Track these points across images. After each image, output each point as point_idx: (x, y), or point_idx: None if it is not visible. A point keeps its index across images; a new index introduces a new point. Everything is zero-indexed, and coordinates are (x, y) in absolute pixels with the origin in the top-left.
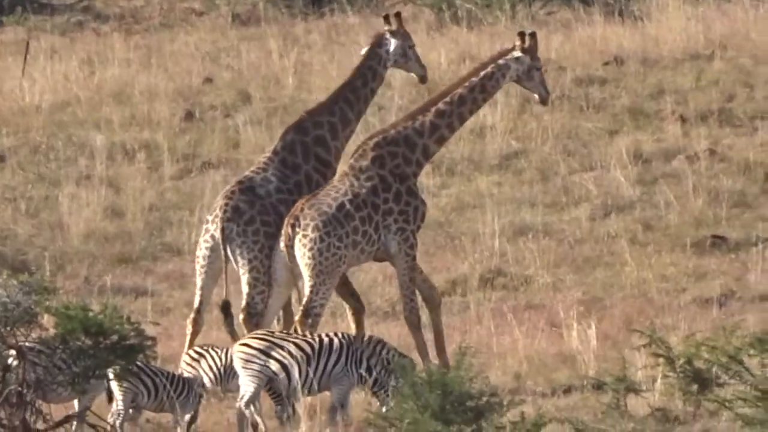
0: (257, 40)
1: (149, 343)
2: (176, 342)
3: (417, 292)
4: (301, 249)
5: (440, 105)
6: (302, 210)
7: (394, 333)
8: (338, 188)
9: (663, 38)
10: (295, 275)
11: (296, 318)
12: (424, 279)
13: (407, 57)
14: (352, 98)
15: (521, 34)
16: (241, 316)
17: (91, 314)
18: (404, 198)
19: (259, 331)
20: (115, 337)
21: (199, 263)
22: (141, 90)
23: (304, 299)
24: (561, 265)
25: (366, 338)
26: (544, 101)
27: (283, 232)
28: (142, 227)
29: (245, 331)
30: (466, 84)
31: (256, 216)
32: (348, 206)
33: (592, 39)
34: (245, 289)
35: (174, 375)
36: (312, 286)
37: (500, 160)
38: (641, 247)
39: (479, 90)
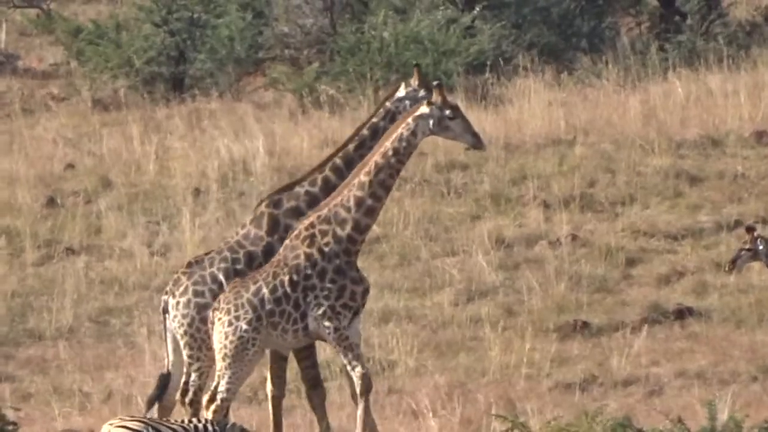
0: (119, 126)
1: (10, 428)
2: (38, 427)
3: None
4: (214, 332)
5: (361, 176)
6: (225, 293)
7: (255, 418)
8: (264, 270)
9: (525, 123)
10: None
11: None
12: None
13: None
14: (341, 165)
15: (428, 87)
16: (177, 394)
17: None
18: (329, 276)
19: (135, 416)
20: None
21: None
22: (2, 176)
23: (213, 383)
24: (424, 350)
25: (230, 425)
26: (475, 146)
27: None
28: (4, 313)
29: (183, 410)
30: (381, 150)
31: (189, 287)
32: (264, 290)
33: None
34: (185, 367)
35: None
36: (219, 370)
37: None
38: (504, 331)
39: (392, 154)
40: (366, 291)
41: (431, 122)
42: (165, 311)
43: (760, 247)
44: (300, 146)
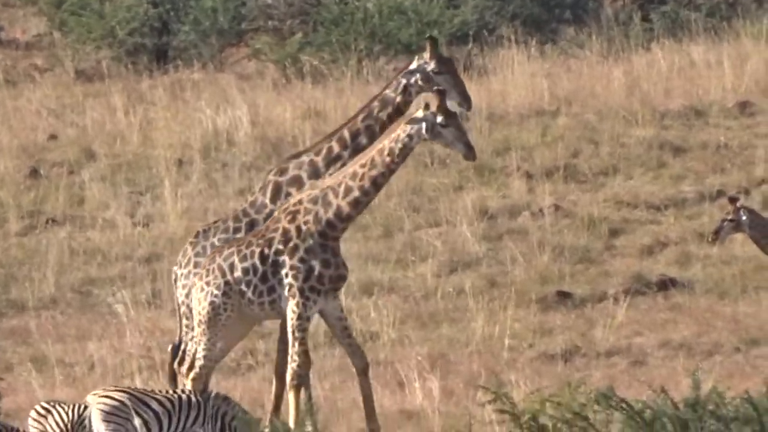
0: (102, 97)
1: None
2: (21, 397)
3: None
4: (192, 297)
5: (357, 167)
6: (205, 258)
7: (239, 389)
8: (244, 237)
9: (508, 94)
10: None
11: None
12: (350, 343)
13: (431, 83)
14: (347, 136)
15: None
16: (176, 362)
17: None
18: (299, 255)
19: (118, 386)
20: None
21: None
22: None
23: (192, 350)
24: (406, 322)
25: (213, 395)
26: (466, 157)
27: None
28: None
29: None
30: (380, 147)
31: (192, 258)
32: (234, 256)
33: None
34: (184, 336)
35: (19, 431)
36: (196, 336)
37: None
38: (487, 302)
39: (388, 153)
40: (339, 278)
41: (424, 126)
42: (175, 282)
43: (743, 218)
44: (283, 116)
